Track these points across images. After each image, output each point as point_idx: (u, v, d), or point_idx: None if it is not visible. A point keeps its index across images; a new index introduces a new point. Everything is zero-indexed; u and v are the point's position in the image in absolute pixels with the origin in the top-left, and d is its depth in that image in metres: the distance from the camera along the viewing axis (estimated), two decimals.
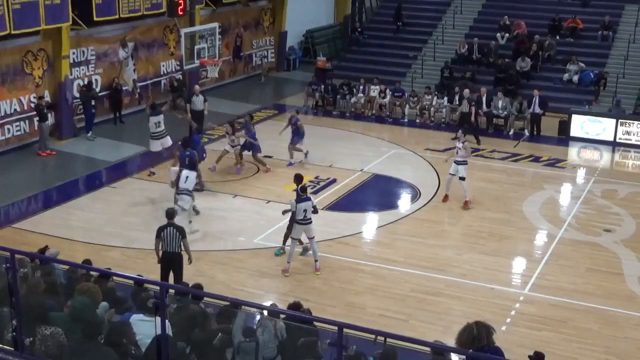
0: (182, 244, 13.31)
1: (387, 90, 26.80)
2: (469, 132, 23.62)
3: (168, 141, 19.90)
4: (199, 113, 22.78)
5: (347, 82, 27.54)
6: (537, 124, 24.67)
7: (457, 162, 18.34)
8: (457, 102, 25.04)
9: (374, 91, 27.02)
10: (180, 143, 18.22)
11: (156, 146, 19.93)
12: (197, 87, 23.49)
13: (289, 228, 15.44)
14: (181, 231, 13.34)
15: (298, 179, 15.73)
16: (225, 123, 21.01)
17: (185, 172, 16.82)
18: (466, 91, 24.56)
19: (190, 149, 17.73)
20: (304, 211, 14.70)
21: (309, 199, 14.90)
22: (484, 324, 6.74)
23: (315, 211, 15.07)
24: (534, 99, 24.53)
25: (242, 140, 20.47)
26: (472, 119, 23.98)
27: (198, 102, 22.87)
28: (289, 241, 15.27)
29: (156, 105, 20.24)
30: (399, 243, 16.57)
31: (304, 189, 15.20)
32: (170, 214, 13.50)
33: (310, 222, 14.86)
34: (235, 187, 19.44)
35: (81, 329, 7.08)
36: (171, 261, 13.36)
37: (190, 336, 8.60)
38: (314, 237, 15.04)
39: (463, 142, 18.47)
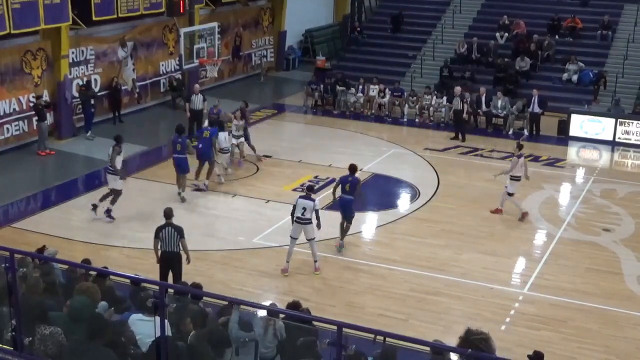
0: (180, 243, 13.31)
1: (387, 90, 26.78)
2: (460, 130, 23.78)
3: (115, 182, 17.15)
4: (199, 112, 22.82)
5: (341, 78, 27.48)
6: (537, 124, 24.68)
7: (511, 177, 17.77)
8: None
9: (373, 91, 26.99)
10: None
11: (112, 183, 17.17)
12: (196, 86, 23.53)
13: (342, 224, 15.89)
14: (179, 231, 13.32)
15: (352, 168, 16.19)
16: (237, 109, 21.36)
17: (222, 134, 18.36)
18: (457, 89, 24.57)
19: (184, 136, 18.46)
20: (302, 209, 14.66)
21: (310, 199, 14.84)
22: (482, 339, 6.29)
23: (316, 215, 14.85)
24: (533, 99, 24.53)
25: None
26: (464, 115, 24.02)
27: (197, 101, 22.92)
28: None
29: (118, 137, 17.58)
30: (399, 243, 16.57)
31: (310, 189, 15.44)
32: (168, 213, 13.48)
33: (309, 223, 14.78)
34: (235, 186, 19.42)
35: (85, 328, 7.06)
36: (170, 261, 13.37)
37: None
38: (313, 239, 14.99)
39: (512, 156, 18.13)
